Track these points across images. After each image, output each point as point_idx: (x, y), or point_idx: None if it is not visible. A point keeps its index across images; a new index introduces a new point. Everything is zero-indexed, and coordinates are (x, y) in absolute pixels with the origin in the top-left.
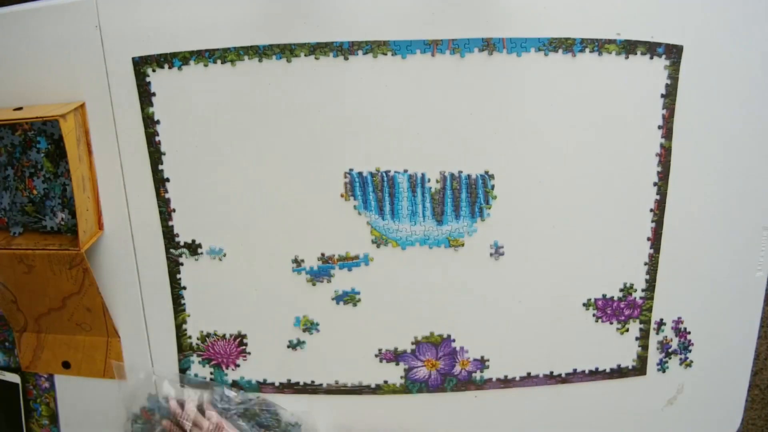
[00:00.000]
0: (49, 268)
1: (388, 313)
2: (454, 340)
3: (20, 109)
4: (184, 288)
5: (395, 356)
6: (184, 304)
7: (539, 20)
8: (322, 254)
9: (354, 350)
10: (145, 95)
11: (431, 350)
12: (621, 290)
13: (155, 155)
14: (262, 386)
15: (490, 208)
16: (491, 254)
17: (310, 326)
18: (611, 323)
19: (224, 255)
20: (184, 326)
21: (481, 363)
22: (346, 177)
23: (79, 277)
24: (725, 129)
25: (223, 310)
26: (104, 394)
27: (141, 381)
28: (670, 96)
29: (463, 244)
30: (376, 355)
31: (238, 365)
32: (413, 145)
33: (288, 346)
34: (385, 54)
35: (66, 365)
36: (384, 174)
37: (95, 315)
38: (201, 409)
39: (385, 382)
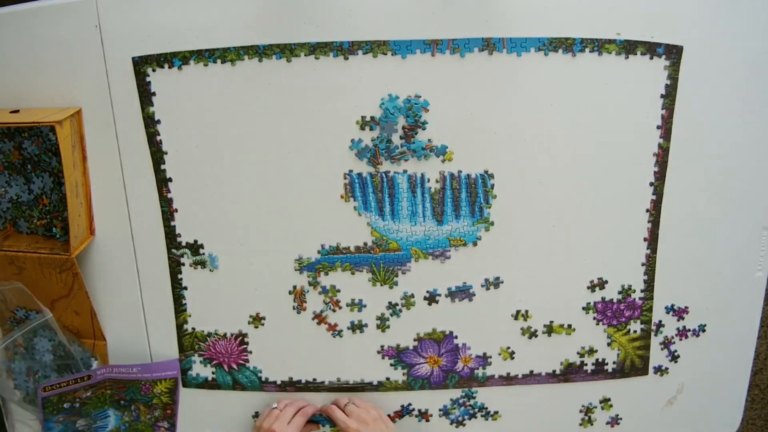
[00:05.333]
0: (40, 271)
1: (389, 310)
2: (456, 337)
3: (17, 111)
4: (185, 288)
5: (397, 353)
6: (185, 304)
7: (539, 20)
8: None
9: (356, 347)
10: (146, 95)
11: (433, 347)
12: (619, 292)
13: (157, 155)
14: (264, 385)
15: (490, 208)
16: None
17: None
18: (612, 324)
19: (217, 266)
20: (185, 326)
21: (484, 360)
22: (345, 178)
23: (69, 281)
24: (725, 129)
25: (224, 309)
26: None
27: None
28: (669, 96)
29: (464, 243)
30: (378, 352)
31: (240, 364)
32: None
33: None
34: (385, 54)
35: None
36: (383, 174)
37: (83, 318)
38: None
39: (387, 379)
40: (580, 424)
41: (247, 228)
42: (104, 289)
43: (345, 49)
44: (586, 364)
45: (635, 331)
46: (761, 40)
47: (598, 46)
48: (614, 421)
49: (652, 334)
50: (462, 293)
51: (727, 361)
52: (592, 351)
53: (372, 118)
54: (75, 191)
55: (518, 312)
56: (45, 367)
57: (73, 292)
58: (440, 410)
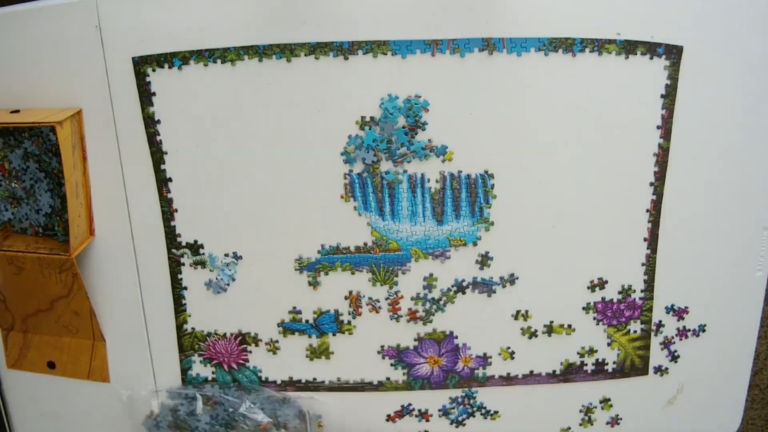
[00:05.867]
0: (39, 271)
1: (389, 309)
2: (456, 337)
3: (17, 111)
4: (185, 288)
5: (397, 353)
6: (185, 304)
7: (539, 20)
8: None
9: (356, 347)
10: (146, 95)
11: (433, 347)
12: (619, 292)
13: (157, 155)
14: (263, 384)
15: (490, 208)
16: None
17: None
18: (612, 324)
19: (217, 266)
20: (185, 326)
21: (484, 360)
22: (345, 178)
23: (68, 281)
24: (725, 129)
25: (224, 309)
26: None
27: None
28: (669, 96)
29: (464, 244)
30: (379, 352)
31: (240, 364)
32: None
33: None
34: (385, 54)
35: (51, 365)
36: (383, 175)
37: (82, 318)
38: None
39: (388, 379)
40: (580, 424)
41: (247, 228)
42: (104, 289)
43: (345, 49)
44: (586, 364)
45: (635, 331)
46: (761, 40)
47: (598, 46)
48: (614, 421)
49: (652, 334)
50: (462, 291)
51: (727, 361)
52: (592, 351)
53: (372, 118)
54: (75, 192)
55: (518, 312)
56: None
57: (72, 293)
58: (440, 410)
